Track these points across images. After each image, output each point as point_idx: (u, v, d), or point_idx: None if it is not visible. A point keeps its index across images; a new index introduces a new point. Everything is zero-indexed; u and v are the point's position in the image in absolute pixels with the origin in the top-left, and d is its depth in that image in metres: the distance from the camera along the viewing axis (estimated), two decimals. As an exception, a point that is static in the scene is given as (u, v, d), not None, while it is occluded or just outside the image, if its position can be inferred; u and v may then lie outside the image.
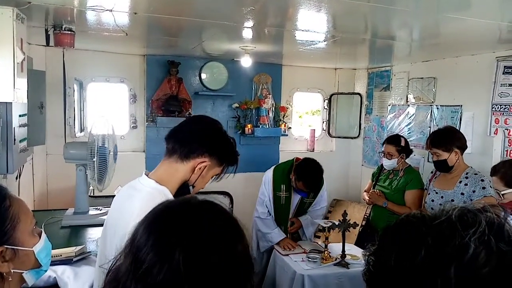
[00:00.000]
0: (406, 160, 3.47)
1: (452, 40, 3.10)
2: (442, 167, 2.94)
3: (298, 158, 3.45)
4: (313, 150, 5.03)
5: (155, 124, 4.32)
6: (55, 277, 2.02)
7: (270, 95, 4.68)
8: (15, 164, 2.38)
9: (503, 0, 2.12)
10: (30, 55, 2.82)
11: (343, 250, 3.02)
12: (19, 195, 1.29)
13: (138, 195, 1.41)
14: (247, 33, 3.10)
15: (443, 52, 3.67)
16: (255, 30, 2.98)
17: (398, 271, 0.67)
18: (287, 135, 4.86)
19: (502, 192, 2.63)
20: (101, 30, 3.01)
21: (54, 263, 1.98)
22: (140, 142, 4.46)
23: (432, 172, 3.18)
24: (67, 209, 3.09)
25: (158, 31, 3.23)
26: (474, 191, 2.79)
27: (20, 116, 2.46)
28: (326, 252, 3.05)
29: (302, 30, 2.90)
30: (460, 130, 3.36)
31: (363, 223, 4.02)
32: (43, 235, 1.13)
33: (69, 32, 2.81)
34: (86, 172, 2.93)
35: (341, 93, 5.19)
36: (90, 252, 2.30)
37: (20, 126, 2.46)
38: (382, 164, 3.58)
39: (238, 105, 4.62)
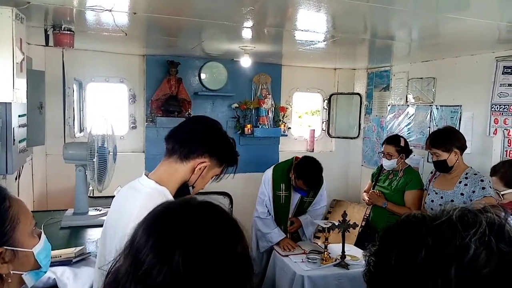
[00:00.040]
0: (406, 161, 3.47)
1: (451, 40, 3.10)
2: (441, 167, 2.94)
3: (297, 157, 3.46)
4: (312, 150, 5.02)
5: (155, 124, 4.32)
6: (54, 278, 2.02)
7: (270, 95, 4.68)
8: (15, 165, 2.38)
9: (502, 0, 2.12)
10: (29, 55, 2.82)
11: (343, 251, 3.02)
12: (18, 196, 1.29)
13: (138, 195, 1.41)
14: (247, 33, 3.10)
15: (442, 52, 3.67)
16: (255, 30, 2.98)
17: (398, 271, 0.67)
18: (286, 135, 4.86)
19: (502, 193, 2.63)
20: (100, 30, 3.01)
21: (53, 264, 1.97)
22: (140, 143, 4.46)
23: (431, 173, 3.18)
24: (66, 210, 3.08)
25: (157, 31, 3.23)
26: (474, 192, 2.78)
27: (19, 116, 2.46)
28: (325, 252, 3.05)
29: (302, 30, 2.90)
30: (460, 130, 3.36)
31: (363, 224, 4.02)
32: (43, 236, 1.13)
33: (69, 32, 2.81)
34: (85, 173, 2.93)
35: (341, 93, 5.19)
36: (89, 253, 2.29)
37: (19, 127, 2.46)
38: (381, 165, 3.58)
39: (237, 105, 4.62)
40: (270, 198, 3.47)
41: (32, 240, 1.07)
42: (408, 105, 4.35)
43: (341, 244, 3.05)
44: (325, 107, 5.22)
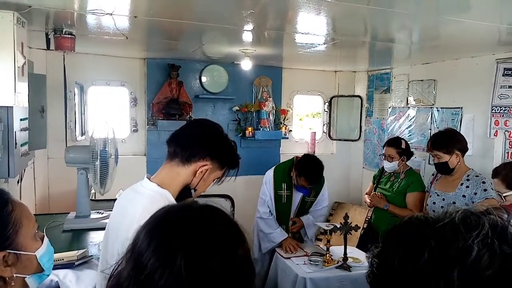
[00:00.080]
0: (407, 163, 3.47)
1: (451, 42, 3.10)
2: (443, 169, 2.94)
3: (298, 157, 3.46)
4: (313, 153, 5.02)
5: (156, 128, 4.33)
6: (57, 281, 2.02)
7: (271, 98, 4.69)
8: (17, 168, 2.38)
9: (502, 2, 2.13)
10: (30, 59, 2.83)
11: (345, 253, 3.02)
12: (20, 199, 1.29)
13: (140, 198, 1.41)
14: (247, 36, 3.10)
15: (443, 54, 3.68)
16: (255, 33, 2.99)
17: (401, 273, 0.67)
18: (287, 138, 4.86)
19: (504, 194, 2.63)
20: (101, 33, 3.02)
21: (56, 267, 1.97)
22: (141, 146, 4.46)
23: (433, 175, 3.17)
24: (68, 213, 3.08)
25: (158, 34, 3.24)
26: (475, 193, 2.78)
27: (21, 120, 2.47)
28: (328, 255, 3.04)
29: (302, 33, 2.91)
30: (461, 132, 3.36)
31: (365, 226, 4.02)
32: (45, 239, 1.13)
33: (70, 36, 2.82)
34: (87, 176, 2.93)
35: (341, 96, 5.20)
36: (92, 256, 2.29)
37: (21, 130, 2.47)
38: (383, 167, 3.58)
39: (238, 108, 4.63)
40: (272, 198, 3.47)
41: (35, 243, 1.08)
42: (408, 107, 4.35)
43: (343, 246, 3.04)
44: (326, 109, 5.22)
